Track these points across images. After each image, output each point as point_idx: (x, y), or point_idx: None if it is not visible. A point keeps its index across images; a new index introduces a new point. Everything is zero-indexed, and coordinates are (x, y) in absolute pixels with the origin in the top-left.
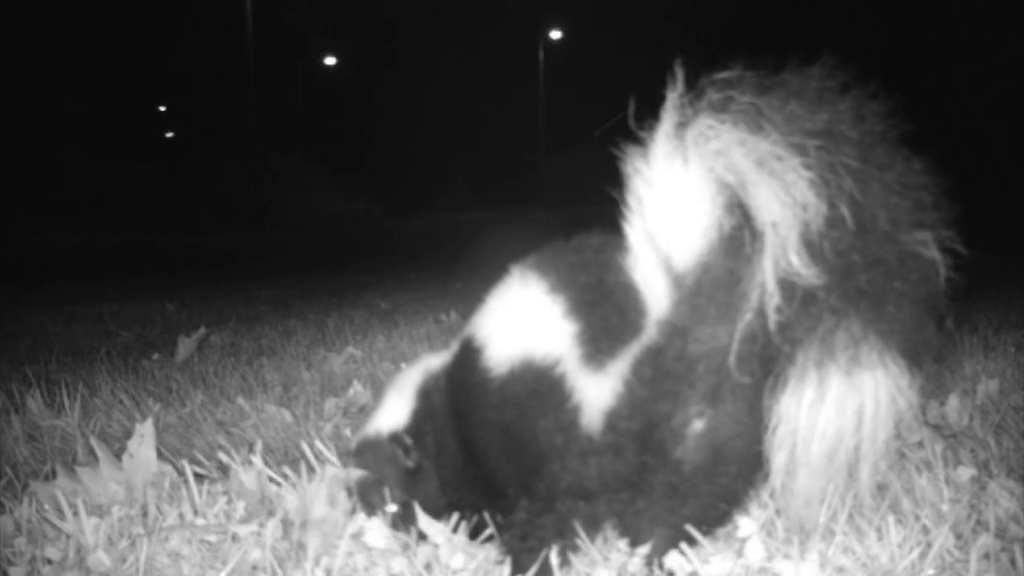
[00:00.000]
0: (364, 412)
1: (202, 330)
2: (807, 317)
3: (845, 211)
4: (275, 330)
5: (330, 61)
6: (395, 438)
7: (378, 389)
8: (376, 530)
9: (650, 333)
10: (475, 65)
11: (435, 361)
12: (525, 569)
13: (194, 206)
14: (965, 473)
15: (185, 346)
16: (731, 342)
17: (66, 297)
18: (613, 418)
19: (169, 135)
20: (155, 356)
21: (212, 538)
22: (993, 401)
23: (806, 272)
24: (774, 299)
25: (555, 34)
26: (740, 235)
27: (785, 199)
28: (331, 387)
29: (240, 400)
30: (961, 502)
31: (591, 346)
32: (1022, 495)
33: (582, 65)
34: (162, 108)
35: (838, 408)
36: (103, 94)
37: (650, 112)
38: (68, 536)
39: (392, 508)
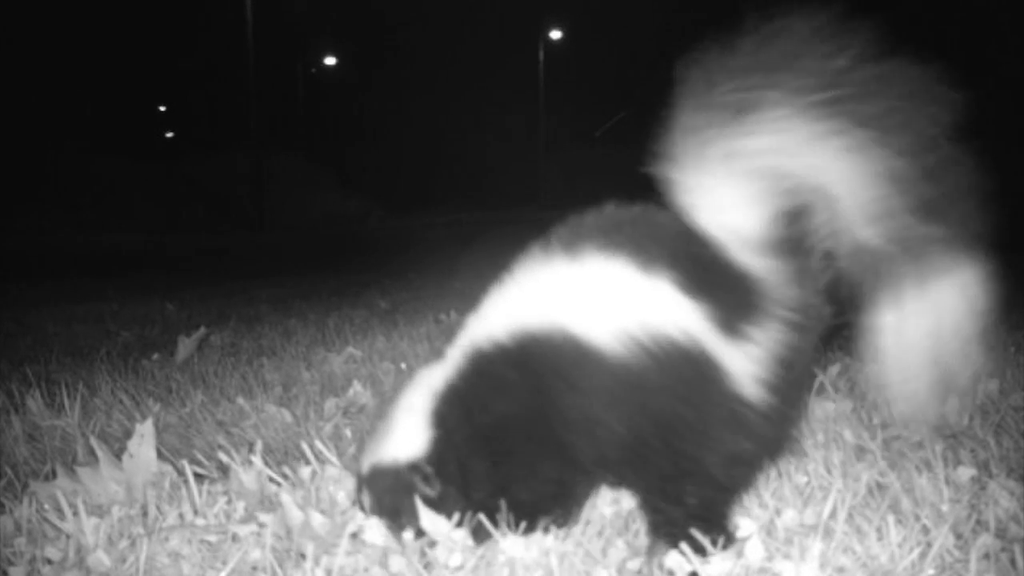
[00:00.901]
0: (364, 412)
1: (202, 330)
2: (882, 260)
3: (888, 164)
4: (275, 330)
5: (330, 61)
6: (414, 467)
7: (378, 389)
8: (374, 529)
9: (767, 299)
10: (475, 65)
11: (435, 379)
12: (706, 544)
13: (194, 206)
14: (965, 473)
15: (185, 346)
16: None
17: (66, 297)
18: (764, 382)
19: (169, 135)
20: (155, 356)
21: (212, 538)
22: (993, 401)
23: (867, 236)
24: (846, 257)
25: (555, 34)
26: (802, 213)
27: (832, 176)
28: (331, 387)
29: (240, 400)
30: (961, 502)
31: (726, 317)
32: (1022, 495)
33: (582, 65)
34: (162, 108)
35: (923, 311)
36: (103, 94)
37: (651, 112)
38: (68, 536)
39: (410, 535)
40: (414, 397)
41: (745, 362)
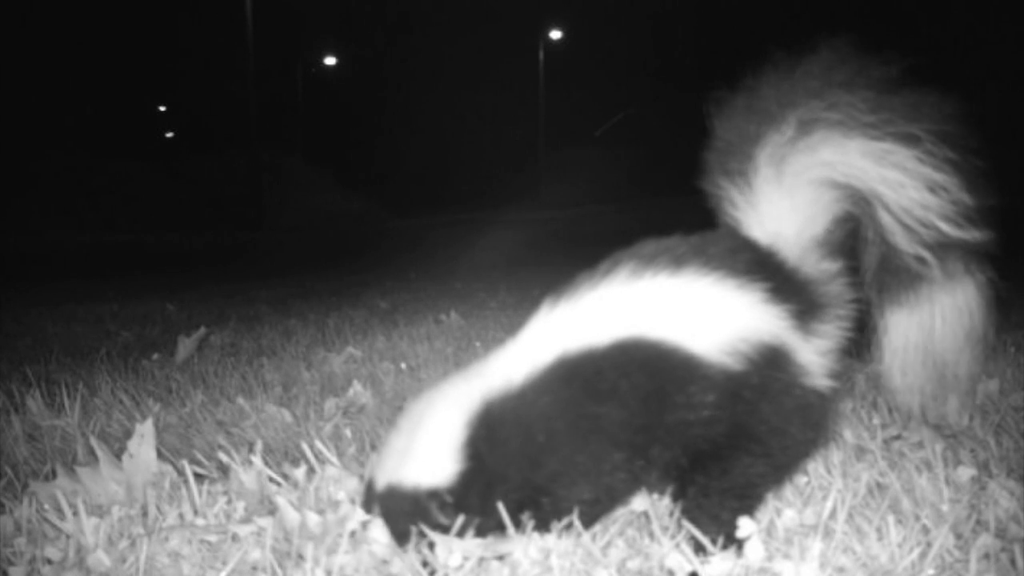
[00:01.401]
0: (364, 412)
1: (202, 330)
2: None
3: (929, 178)
4: (275, 330)
5: (330, 61)
6: (433, 495)
7: (378, 389)
8: (374, 531)
9: (828, 297)
10: (475, 65)
11: (472, 397)
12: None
13: (194, 206)
14: (965, 473)
15: (185, 346)
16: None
17: (66, 297)
18: (832, 370)
19: (169, 135)
20: (155, 356)
21: (212, 538)
22: (993, 401)
23: (904, 242)
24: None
25: (555, 34)
26: (847, 220)
27: (880, 188)
28: (331, 387)
29: (240, 400)
30: (961, 502)
31: (801, 317)
32: (1022, 495)
33: (582, 65)
34: (162, 108)
35: (938, 318)
36: (103, 94)
37: (653, 109)
38: (68, 536)
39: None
40: (445, 414)
41: (816, 356)
